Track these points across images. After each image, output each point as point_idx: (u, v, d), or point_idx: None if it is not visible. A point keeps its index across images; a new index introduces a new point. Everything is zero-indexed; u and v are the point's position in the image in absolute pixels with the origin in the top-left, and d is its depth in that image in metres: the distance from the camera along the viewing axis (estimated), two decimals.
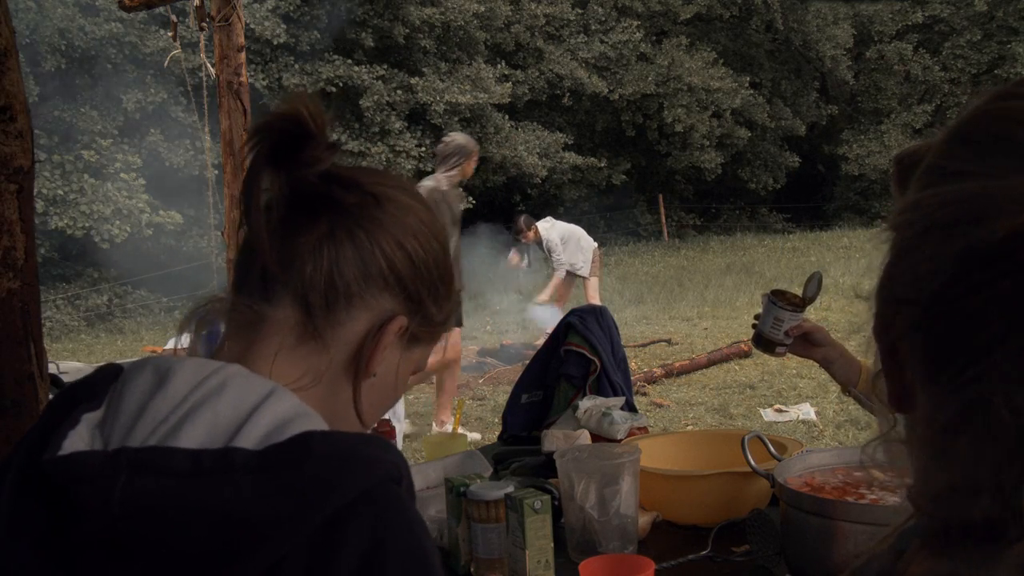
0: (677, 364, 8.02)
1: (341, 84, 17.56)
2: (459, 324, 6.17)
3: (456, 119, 18.38)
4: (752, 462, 1.78)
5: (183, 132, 15.99)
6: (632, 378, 2.81)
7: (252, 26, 15.62)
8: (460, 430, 6.34)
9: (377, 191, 0.93)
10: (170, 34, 6.13)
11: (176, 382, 0.82)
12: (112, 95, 15.84)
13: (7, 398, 2.24)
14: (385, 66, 18.27)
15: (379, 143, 17.71)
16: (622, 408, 2.34)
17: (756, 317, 2.03)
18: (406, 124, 18.26)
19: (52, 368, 3.80)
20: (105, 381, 0.86)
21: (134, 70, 16.02)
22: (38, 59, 14.90)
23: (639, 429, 2.30)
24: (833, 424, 6.11)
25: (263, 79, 16.67)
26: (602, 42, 21.47)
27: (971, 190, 0.48)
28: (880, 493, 1.58)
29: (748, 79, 22.62)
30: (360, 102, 17.66)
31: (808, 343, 2.00)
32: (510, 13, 19.99)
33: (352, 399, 0.93)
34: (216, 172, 7.69)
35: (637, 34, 21.56)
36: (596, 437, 2.22)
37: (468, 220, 6.38)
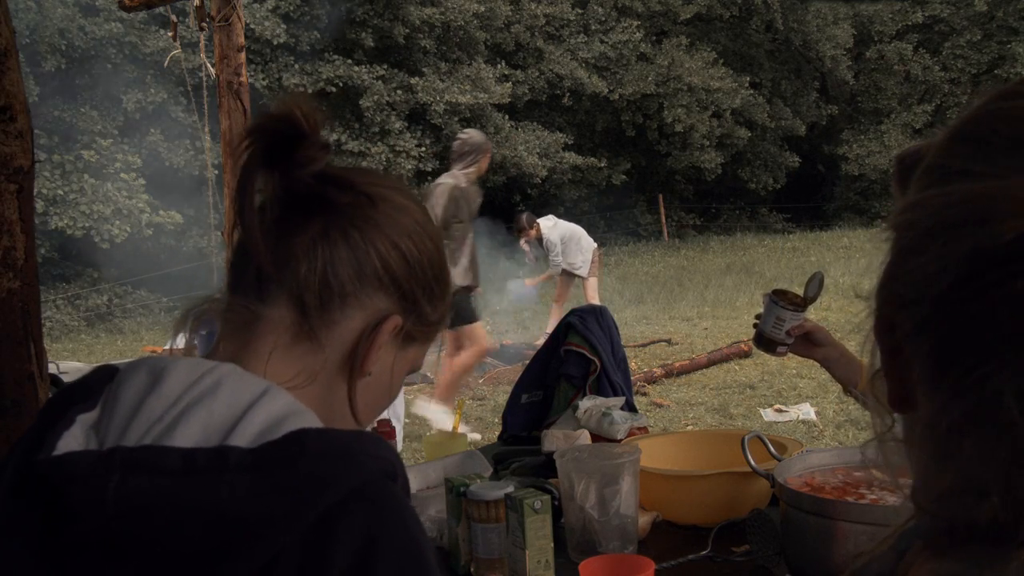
0: (677, 364, 8.02)
1: (341, 84, 17.56)
2: (475, 319, 6.20)
3: (456, 119, 18.38)
4: (752, 462, 1.79)
5: (183, 132, 15.99)
6: (632, 378, 2.81)
7: (252, 26, 15.62)
8: (460, 430, 6.34)
9: (371, 191, 0.93)
10: (170, 34, 6.12)
11: (170, 382, 0.82)
12: (112, 95, 15.85)
13: (7, 398, 2.24)
14: (385, 66, 18.28)
15: (379, 143, 17.72)
16: (622, 408, 2.34)
17: (757, 317, 2.03)
18: (406, 124, 18.27)
19: (52, 368, 3.80)
20: (100, 382, 0.87)
21: (134, 70, 16.02)
22: (38, 59, 14.90)
23: (639, 429, 2.30)
24: (833, 424, 6.11)
25: (263, 79, 16.67)
26: (602, 42, 21.47)
27: (976, 190, 0.48)
28: (880, 493, 1.58)
29: (748, 79, 22.62)
30: (360, 102, 17.67)
31: (809, 343, 2.00)
32: (510, 13, 19.99)
33: (347, 398, 0.93)
34: (216, 172, 7.69)
35: (637, 34, 21.56)
36: (596, 437, 2.22)
37: None
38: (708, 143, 22.03)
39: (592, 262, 9.37)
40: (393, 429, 2.32)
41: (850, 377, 1.96)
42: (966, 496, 0.48)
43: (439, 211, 5.84)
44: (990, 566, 0.46)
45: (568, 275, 9.35)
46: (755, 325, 2.03)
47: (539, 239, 9.31)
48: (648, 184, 23.50)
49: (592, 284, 9.43)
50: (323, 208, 0.91)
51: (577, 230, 9.45)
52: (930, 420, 0.51)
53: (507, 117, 19.60)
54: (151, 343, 11.84)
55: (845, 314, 9.08)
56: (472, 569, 1.69)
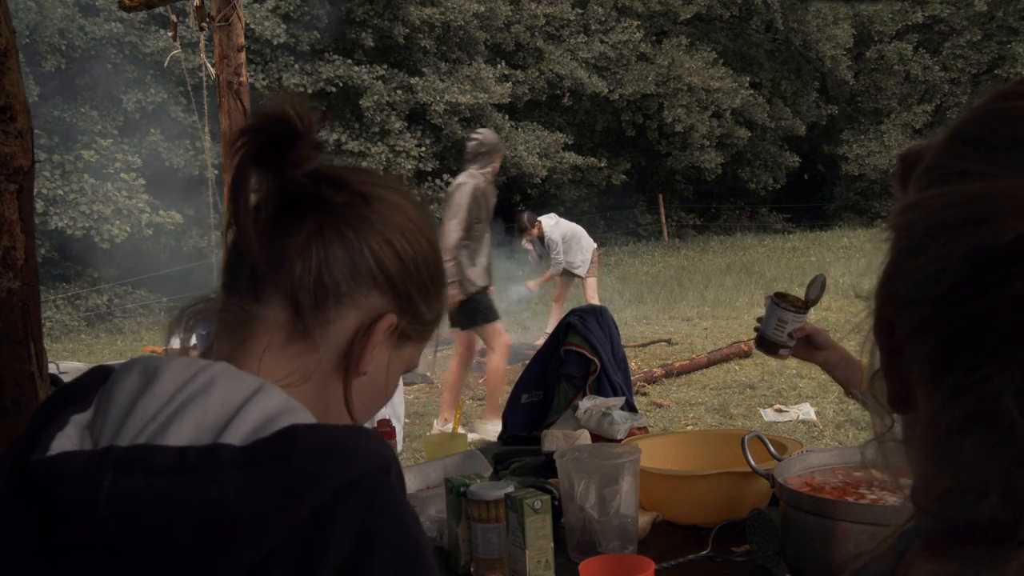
0: (677, 364, 8.02)
1: (341, 84, 17.56)
2: (496, 317, 6.19)
3: (456, 119, 18.38)
4: (752, 462, 1.78)
5: (183, 132, 16.00)
6: (632, 378, 2.81)
7: (252, 26, 15.63)
8: (460, 430, 6.33)
9: (366, 190, 0.93)
10: (170, 34, 6.13)
11: (164, 381, 0.82)
12: (112, 95, 15.85)
13: (7, 398, 2.25)
14: (385, 66, 18.28)
15: (379, 143, 17.72)
16: (622, 408, 2.34)
17: (759, 320, 2.02)
18: (406, 124, 18.27)
19: (52, 368, 3.80)
20: (94, 382, 0.87)
21: (134, 70, 16.02)
22: (38, 59, 14.90)
23: (639, 429, 2.30)
24: (833, 424, 6.11)
25: (263, 79, 16.67)
26: (602, 42, 21.47)
27: (975, 190, 0.48)
28: (880, 493, 1.58)
29: (748, 79, 22.62)
30: (360, 102, 17.67)
31: (810, 346, 1.99)
32: (510, 13, 19.99)
33: (343, 397, 0.93)
34: (216, 172, 7.70)
35: (637, 34, 21.56)
36: (596, 437, 2.22)
37: None
38: (708, 143, 22.03)
39: (592, 262, 9.37)
40: (393, 429, 2.32)
41: (851, 379, 1.96)
42: (966, 496, 0.48)
43: (464, 212, 5.83)
44: (990, 566, 0.46)
45: (568, 275, 9.34)
46: (756, 328, 2.03)
47: (541, 238, 9.30)
48: (648, 184, 23.50)
49: (592, 284, 9.43)
50: (317, 207, 0.91)
51: (578, 230, 9.45)
52: (930, 420, 0.51)
53: (507, 117, 19.60)
54: (151, 343, 11.84)
55: (845, 314, 9.08)
56: (472, 569, 1.69)
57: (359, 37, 18.12)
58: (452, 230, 5.85)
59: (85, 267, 15.65)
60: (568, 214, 11.13)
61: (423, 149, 18.15)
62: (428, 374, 8.41)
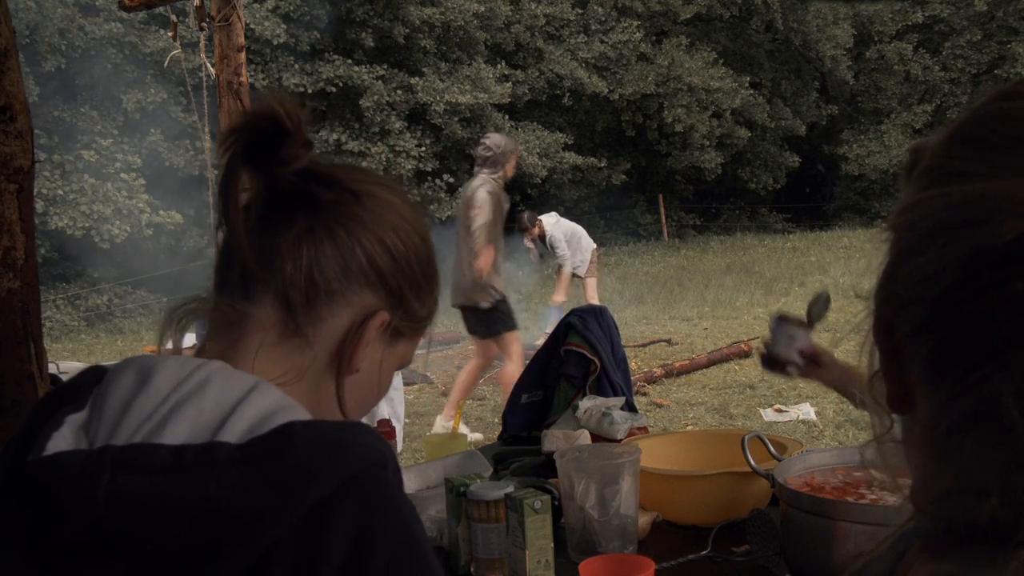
0: (677, 364, 8.02)
1: (341, 84, 17.56)
2: (515, 327, 6.16)
3: (456, 119, 18.38)
4: (752, 462, 1.78)
5: (183, 132, 15.99)
6: (632, 378, 2.81)
7: (252, 26, 15.62)
8: (462, 429, 6.32)
9: (356, 188, 0.93)
10: (170, 34, 6.13)
11: (159, 380, 0.82)
12: (112, 95, 15.85)
13: (7, 398, 2.25)
14: (385, 66, 18.27)
15: (379, 143, 17.72)
16: (622, 408, 2.34)
17: (765, 343, 1.97)
18: (406, 124, 18.27)
19: (52, 368, 3.80)
20: (89, 382, 0.87)
21: (134, 70, 16.02)
22: (38, 59, 14.90)
23: (639, 429, 2.30)
24: (833, 424, 6.11)
25: (263, 79, 16.66)
26: (602, 42, 21.47)
27: (975, 191, 0.48)
28: (880, 493, 1.58)
29: (748, 79, 22.62)
30: (360, 102, 17.67)
31: (817, 365, 1.96)
32: (510, 13, 19.99)
33: (336, 395, 0.93)
34: (216, 172, 7.70)
35: (637, 34, 21.56)
36: (596, 437, 2.22)
37: None
38: (708, 143, 22.02)
39: (591, 262, 9.36)
40: (393, 429, 2.32)
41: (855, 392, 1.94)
42: (965, 496, 0.48)
43: (487, 216, 5.81)
44: (989, 567, 0.46)
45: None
46: (762, 353, 1.98)
47: (542, 237, 9.28)
48: (648, 184, 23.50)
49: (591, 284, 9.42)
50: (307, 205, 0.91)
51: (578, 229, 9.44)
52: (929, 421, 0.51)
53: (507, 117, 19.60)
54: (151, 343, 11.83)
55: (845, 314, 9.07)
56: (472, 569, 1.69)
57: (359, 37, 18.12)
58: (482, 232, 5.82)
59: (85, 267, 15.65)
60: (568, 214, 11.12)
61: (423, 149, 18.15)
62: (428, 374, 8.41)
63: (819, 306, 1.91)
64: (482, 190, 5.82)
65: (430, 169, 18.17)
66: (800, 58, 24.91)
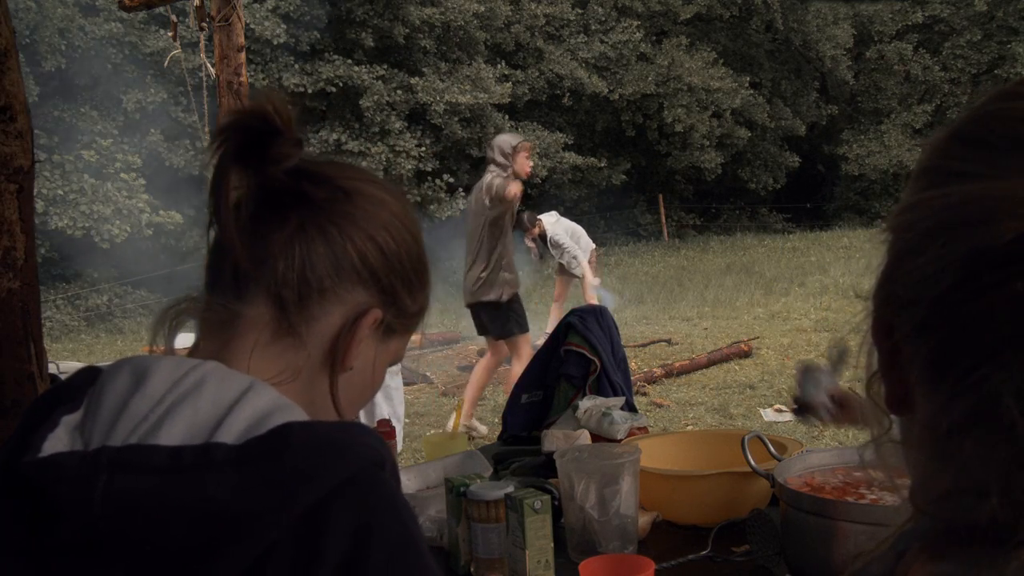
0: (677, 364, 8.02)
1: (341, 84, 17.56)
2: (527, 328, 6.15)
3: (456, 119, 18.38)
4: (752, 462, 1.79)
5: (183, 132, 15.99)
6: (632, 378, 2.81)
7: (252, 26, 15.62)
8: (473, 422, 6.31)
9: (347, 185, 0.93)
10: (170, 34, 6.13)
11: (154, 381, 0.82)
12: (112, 95, 15.84)
13: (7, 398, 2.25)
14: (385, 66, 18.27)
15: (379, 143, 17.71)
16: (622, 408, 2.34)
17: (795, 399, 1.96)
18: (406, 124, 18.26)
19: (52, 368, 3.79)
20: (84, 383, 0.86)
21: (134, 70, 16.01)
22: (38, 59, 14.89)
23: (639, 429, 2.30)
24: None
25: (263, 79, 16.66)
26: (602, 42, 21.47)
27: (975, 191, 0.48)
28: (880, 493, 1.58)
29: (748, 79, 22.62)
30: (360, 102, 17.66)
31: (846, 407, 1.95)
32: (510, 13, 19.98)
33: (330, 393, 0.93)
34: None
35: (637, 34, 21.55)
36: (596, 437, 2.22)
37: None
38: (708, 143, 22.02)
39: (589, 262, 9.34)
40: (393, 429, 2.32)
41: None
42: (965, 497, 0.48)
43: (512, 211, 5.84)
44: (989, 567, 0.46)
45: (567, 275, 9.32)
46: (794, 408, 1.97)
47: (542, 236, 9.26)
48: (648, 184, 23.49)
49: (590, 284, 9.40)
50: (299, 204, 0.91)
51: (577, 229, 9.43)
52: (929, 421, 0.51)
53: (507, 117, 19.59)
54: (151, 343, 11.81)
55: (845, 314, 9.09)
56: (472, 569, 1.69)
57: (359, 37, 18.11)
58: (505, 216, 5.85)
59: (85, 267, 15.64)
60: (568, 214, 11.10)
61: (423, 149, 18.14)
62: (428, 374, 8.41)
63: (839, 351, 1.90)
64: (498, 178, 5.79)
65: (430, 169, 18.17)
66: (800, 58, 24.91)
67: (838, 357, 1.87)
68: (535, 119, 20.56)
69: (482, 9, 19.02)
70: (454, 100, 18.09)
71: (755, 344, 8.64)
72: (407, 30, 18.50)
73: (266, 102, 0.88)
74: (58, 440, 0.80)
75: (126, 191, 15.17)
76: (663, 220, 22.25)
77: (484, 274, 5.88)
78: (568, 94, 21.13)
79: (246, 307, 0.90)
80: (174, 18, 5.67)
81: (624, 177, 22.05)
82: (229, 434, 0.78)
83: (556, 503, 1.79)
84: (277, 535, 0.75)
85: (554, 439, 2.18)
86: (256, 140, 0.88)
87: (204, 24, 4.99)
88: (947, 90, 24.07)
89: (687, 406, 6.92)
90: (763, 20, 23.85)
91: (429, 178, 18.11)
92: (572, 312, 2.65)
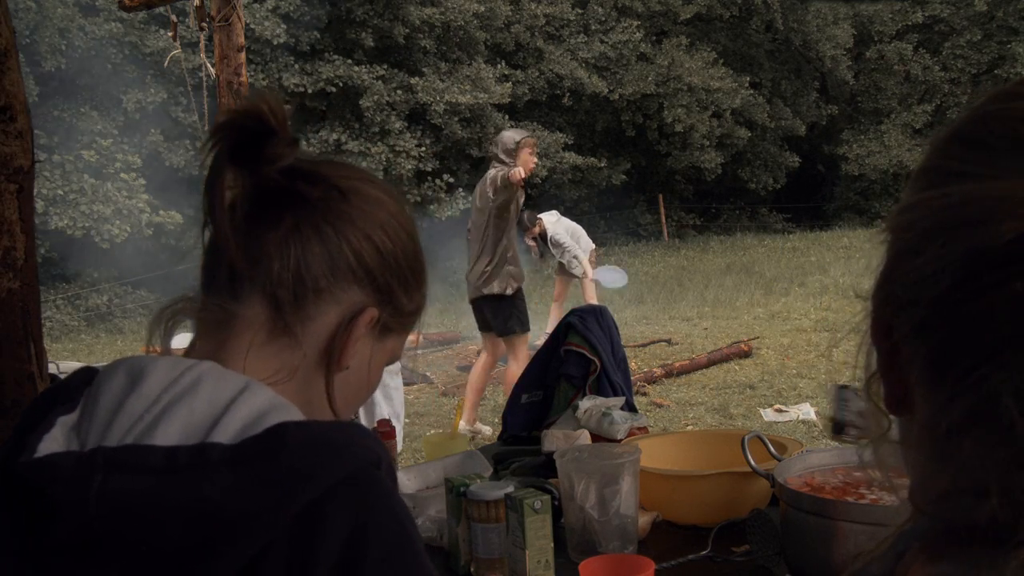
0: (677, 364, 8.02)
1: (341, 84, 17.56)
2: (529, 328, 6.14)
3: (456, 119, 18.38)
4: (752, 462, 1.78)
5: (183, 132, 15.99)
6: (632, 378, 2.81)
7: (252, 26, 15.62)
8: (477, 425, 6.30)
9: (342, 184, 0.93)
10: (170, 34, 6.13)
11: (150, 381, 0.82)
12: (112, 95, 15.84)
13: (7, 398, 2.25)
14: (385, 66, 18.27)
15: (379, 143, 17.71)
16: (622, 408, 2.34)
17: (831, 420, 1.98)
18: (406, 124, 18.27)
19: (52, 368, 3.79)
20: (80, 384, 0.86)
21: (134, 70, 16.01)
22: (38, 59, 14.89)
23: (639, 429, 2.30)
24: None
25: (263, 79, 16.66)
26: (602, 42, 21.47)
27: (974, 191, 0.48)
28: (880, 493, 1.58)
29: (748, 79, 22.61)
30: (360, 102, 17.66)
31: None
32: (510, 13, 19.98)
33: (326, 393, 0.93)
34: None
35: (637, 34, 21.55)
36: (596, 437, 2.22)
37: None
38: (708, 143, 22.02)
39: (590, 262, 9.34)
40: (393, 429, 2.32)
41: None
42: (965, 497, 0.48)
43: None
44: (988, 567, 0.46)
45: (567, 275, 9.32)
46: (832, 427, 1.98)
47: (543, 235, 9.26)
48: (648, 184, 23.49)
49: (589, 284, 9.41)
50: (294, 203, 0.90)
51: (578, 228, 9.43)
52: (928, 421, 0.51)
53: (507, 117, 19.59)
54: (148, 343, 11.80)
55: (845, 314, 9.08)
56: (472, 569, 1.69)
57: (359, 37, 18.11)
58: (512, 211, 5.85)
59: (85, 267, 15.64)
60: (568, 214, 11.10)
61: (423, 149, 18.14)
62: (428, 374, 8.41)
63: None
64: (502, 172, 5.76)
65: (430, 169, 18.17)
66: (800, 58, 24.91)
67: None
68: (535, 119, 20.56)
69: (482, 9, 19.02)
70: (454, 100, 18.09)
71: (755, 344, 8.64)
72: (407, 30, 18.50)
73: (261, 101, 0.88)
74: (54, 441, 0.80)
75: (126, 191, 15.17)
76: (663, 220, 22.25)
77: (489, 268, 5.88)
78: (568, 94, 21.12)
79: (242, 307, 0.90)
80: (174, 18, 5.67)
81: (624, 177, 22.04)
82: (225, 434, 0.78)
83: (556, 503, 1.79)
84: (273, 535, 0.75)
85: (554, 439, 2.18)
86: (251, 140, 0.88)
87: (204, 24, 4.99)
88: (947, 90, 24.07)
89: (687, 406, 6.92)
90: (763, 20, 23.85)
91: (429, 178, 18.10)
92: (572, 312, 2.65)
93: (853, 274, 12.28)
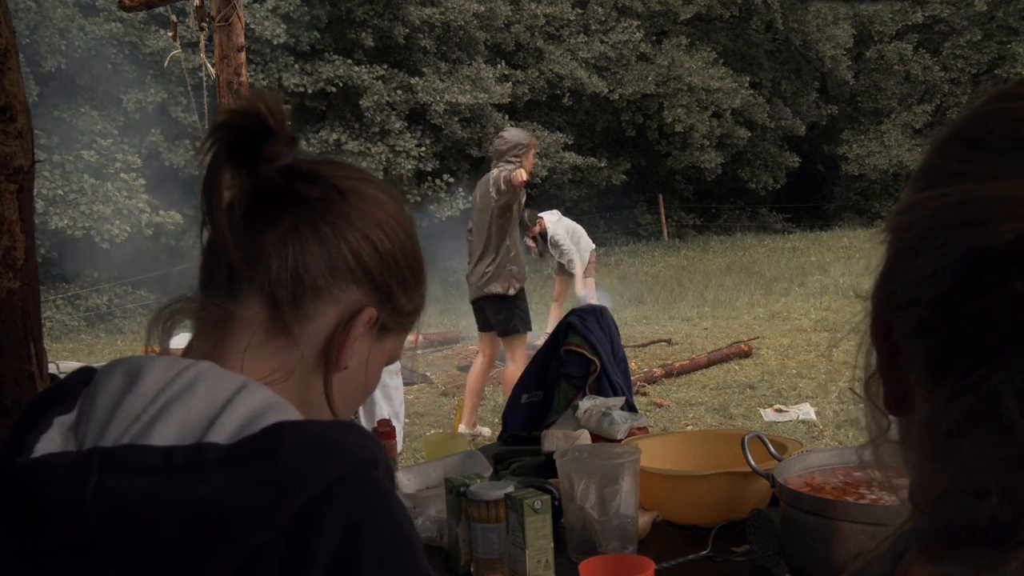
0: (677, 364, 8.02)
1: (341, 84, 17.56)
2: (530, 328, 6.12)
3: (456, 119, 18.38)
4: (752, 462, 1.78)
5: (183, 132, 16.00)
6: (632, 378, 2.81)
7: (252, 26, 15.62)
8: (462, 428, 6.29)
9: (341, 184, 0.93)
10: (170, 34, 6.13)
11: (147, 381, 0.82)
12: (112, 95, 15.84)
13: (7, 398, 2.25)
14: (385, 66, 18.27)
15: (379, 143, 17.71)
16: (622, 408, 2.34)
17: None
18: (406, 124, 18.27)
19: (52, 368, 3.79)
20: (77, 384, 0.86)
21: (134, 70, 16.01)
22: (38, 59, 14.90)
23: (639, 429, 2.30)
24: (833, 424, 6.11)
25: (263, 79, 16.67)
26: (602, 42, 21.47)
27: (974, 191, 0.48)
28: (880, 493, 1.58)
29: (748, 79, 22.61)
30: (360, 102, 17.67)
31: None
32: (510, 13, 19.98)
33: (324, 392, 0.93)
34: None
35: (637, 34, 21.55)
36: (596, 437, 2.22)
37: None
38: (708, 143, 22.02)
39: (589, 263, 9.34)
40: (393, 429, 2.32)
41: None
42: (965, 497, 0.48)
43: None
44: (988, 567, 0.46)
45: (566, 275, 9.32)
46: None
47: (543, 235, 9.25)
48: (648, 184, 23.49)
49: (589, 284, 9.40)
50: (292, 203, 0.90)
51: (578, 229, 9.42)
52: (928, 421, 0.51)
53: (507, 117, 19.59)
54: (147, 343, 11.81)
55: (845, 314, 9.08)
56: (472, 569, 1.69)
57: (359, 37, 18.11)
58: (515, 212, 5.84)
59: (85, 267, 15.64)
60: (568, 214, 11.09)
61: (423, 149, 18.14)
62: (428, 374, 8.41)
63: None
64: (506, 171, 5.71)
65: (430, 169, 18.17)
66: (800, 58, 24.91)
67: None
68: (535, 119, 20.56)
69: (482, 9, 19.02)
70: (454, 100, 18.10)
71: (755, 344, 8.64)
72: (407, 30, 18.50)
73: (259, 101, 0.87)
74: (51, 441, 0.80)
75: (126, 191, 15.17)
76: (663, 220, 22.25)
77: (491, 268, 5.87)
78: (568, 94, 21.13)
79: (240, 307, 0.90)
80: (174, 18, 5.67)
81: (624, 177, 22.04)
82: (221, 434, 0.78)
83: (556, 503, 1.79)
84: (269, 534, 0.75)
85: (554, 439, 2.18)
86: (249, 139, 0.87)
87: (204, 24, 4.99)
88: (947, 90, 24.07)
89: (687, 406, 6.92)
90: (763, 20, 23.85)
91: (429, 178, 18.10)
92: (572, 312, 2.65)
93: (853, 274, 12.29)
